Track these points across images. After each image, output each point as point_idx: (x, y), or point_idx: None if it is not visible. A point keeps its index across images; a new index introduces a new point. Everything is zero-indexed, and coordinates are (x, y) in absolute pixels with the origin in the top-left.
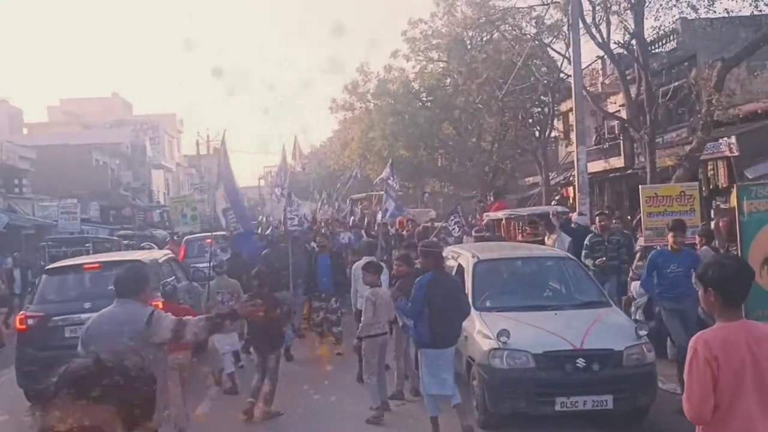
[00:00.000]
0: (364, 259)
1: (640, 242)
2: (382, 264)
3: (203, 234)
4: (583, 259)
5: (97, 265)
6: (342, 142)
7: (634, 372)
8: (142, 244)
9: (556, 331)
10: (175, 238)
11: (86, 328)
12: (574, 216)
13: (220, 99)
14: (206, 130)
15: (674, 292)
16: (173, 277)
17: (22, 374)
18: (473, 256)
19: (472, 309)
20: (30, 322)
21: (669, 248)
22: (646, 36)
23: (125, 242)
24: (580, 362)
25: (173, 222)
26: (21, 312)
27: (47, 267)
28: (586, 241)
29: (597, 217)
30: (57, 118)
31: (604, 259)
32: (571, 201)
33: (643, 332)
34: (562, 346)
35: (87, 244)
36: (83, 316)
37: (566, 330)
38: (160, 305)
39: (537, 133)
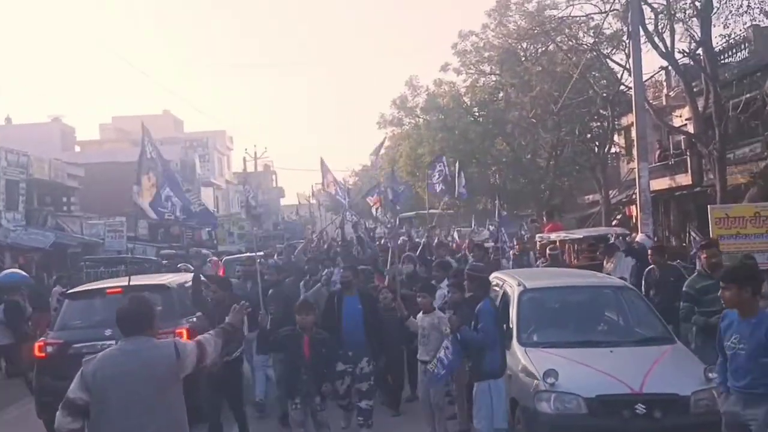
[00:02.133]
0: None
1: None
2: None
3: (244, 255)
4: (683, 312)
5: (118, 289)
6: (390, 158)
7: (703, 420)
8: (178, 266)
9: (612, 371)
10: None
11: (93, 372)
12: (638, 237)
13: (269, 115)
14: (254, 146)
15: (736, 383)
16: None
17: (42, 405)
18: (519, 284)
19: (517, 344)
20: (49, 349)
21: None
22: (714, 45)
23: (165, 262)
24: (640, 408)
25: (220, 240)
26: (40, 338)
27: (68, 291)
28: (686, 287)
29: (703, 250)
30: (108, 136)
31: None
32: (634, 221)
33: (714, 374)
34: (618, 389)
35: (121, 265)
36: (105, 343)
37: (624, 370)
38: (185, 333)
39: (596, 149)
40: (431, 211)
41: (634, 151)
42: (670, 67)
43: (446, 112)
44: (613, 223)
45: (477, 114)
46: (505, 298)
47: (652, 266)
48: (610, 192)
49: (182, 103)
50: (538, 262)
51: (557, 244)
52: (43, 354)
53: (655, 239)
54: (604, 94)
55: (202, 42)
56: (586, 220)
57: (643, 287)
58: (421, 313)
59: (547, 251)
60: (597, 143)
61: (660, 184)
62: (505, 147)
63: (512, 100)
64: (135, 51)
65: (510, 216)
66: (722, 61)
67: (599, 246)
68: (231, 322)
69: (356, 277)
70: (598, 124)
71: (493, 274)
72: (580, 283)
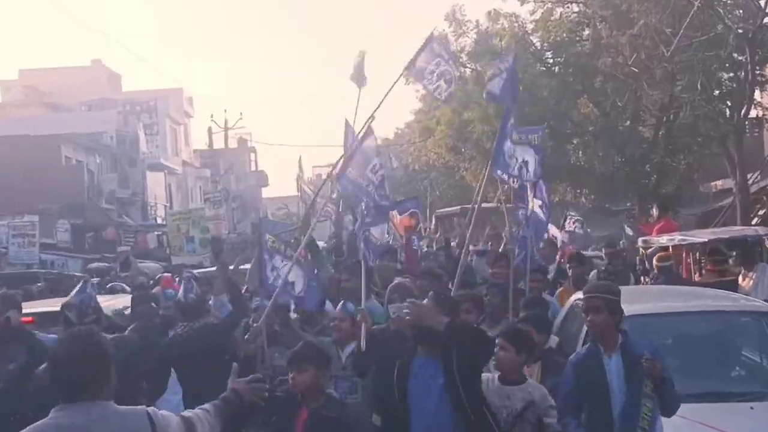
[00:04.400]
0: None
1: None
2: None
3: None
4: None
5: (30, 318)
6: (423, 126)
7: None
8: (108, 285)
9: None
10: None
11: None
12: None
13: (245, 70)
14: (224, 112)
15: None
16: None
17: None
18: None
19: None
20: None
21: None
22: None
23: (95, 280)
24: None
25: (173, 249)
26: None
27: None
28: None
29: None
30: (14, 97)
31: None
32: None
33: None
34: None
35: (38, 284)
36: None
37: None
38: None
39: (728, 112)
40: (484, 204)
41: None
42: None
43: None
44: (754, 220)
45: (551, 61)
46: None
47: None
48: (749, 175)
49: (120, 51)
50: (646, 279)
51: (669, 251)
52: None
53: None
54: (740, 31)
55: None
56: (712, 216)
57: None
58: (494, 379)
59: (654, 262)
60: (729, 103)
61: None
62: (593, 110)
63: (603, 40)
64: None
65: (599, 211)
66: None
67: (731, 255)
68: (237, 392)
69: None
70: (731, 74)
71: (574, 296)
72: (704, 308)
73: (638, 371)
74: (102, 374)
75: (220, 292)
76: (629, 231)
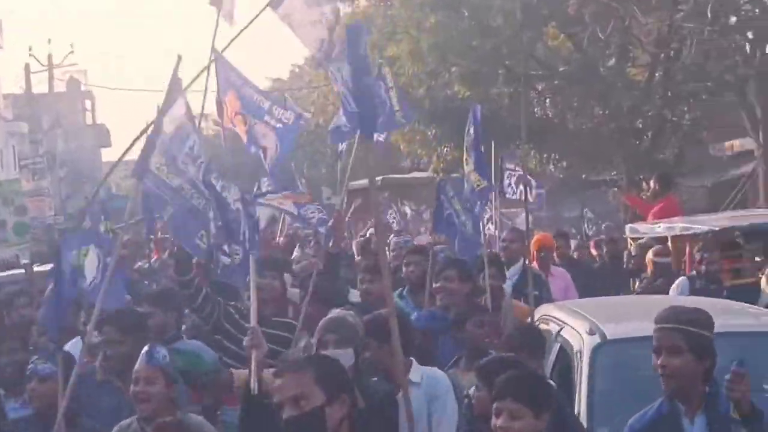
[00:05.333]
0: None
1: None
2: None
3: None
4: None
5: None
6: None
7: None
8: None
9: None
10: None
11: None
12: None
13: None
14: (48, 42)
15: None
16: None
17: None
18: (591, 331)
19: None
20: None
21: None
22: None
23: None
24: None
25: None
26: None
27: None
28: None
29: None
30: None
31: None
32: None
33: None
34: None
35: None
36: None
37: None
38: None
39: (748, 47)
40: (415, 174)
41: None
42: None
43: None
44: None
45: None
46: (564, 357)
47: None
48: None
49: None
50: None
51: (668, 245)
52: None
53: None
54: None
55: None
56: (726, 187)
57: None
58: None
59: (649, 257)
60: (750, 36)
61: None
62: (564, 44)
63: None
64: None
65: (575, 182)
66: None
67: (751, 248)
68: None
69: None
70: None
71: (542, 308)
72: (718, 328)
73: None
74: None
75: None
76: (589, 214)
